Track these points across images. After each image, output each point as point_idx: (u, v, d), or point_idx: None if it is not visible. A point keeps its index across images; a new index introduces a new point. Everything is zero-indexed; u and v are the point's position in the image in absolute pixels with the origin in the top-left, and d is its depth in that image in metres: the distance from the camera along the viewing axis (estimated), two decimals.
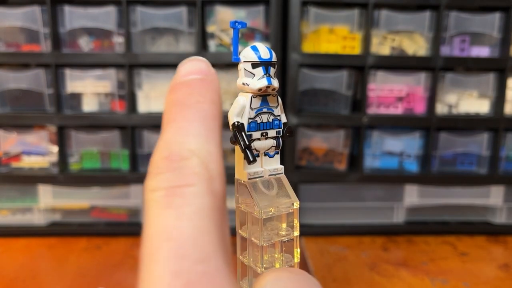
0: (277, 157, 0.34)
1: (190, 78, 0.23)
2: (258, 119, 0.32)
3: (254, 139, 0.32)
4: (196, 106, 0.22)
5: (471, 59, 0.73)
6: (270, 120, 0.33)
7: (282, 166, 0.34)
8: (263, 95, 0.32)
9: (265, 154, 0.33)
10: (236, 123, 0.31)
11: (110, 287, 0.60)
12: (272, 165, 0.33)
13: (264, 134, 0.33)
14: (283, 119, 0.34)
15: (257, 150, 0.33)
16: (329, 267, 0.65)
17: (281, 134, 0.33)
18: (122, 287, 0.60)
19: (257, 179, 0.33)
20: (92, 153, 0.75)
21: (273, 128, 0.33)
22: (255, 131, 0.32)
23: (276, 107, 0.33)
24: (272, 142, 0.33)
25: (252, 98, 0.32)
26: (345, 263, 0.67)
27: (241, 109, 0.32)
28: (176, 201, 0.19)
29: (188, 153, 0.20)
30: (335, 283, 0.61)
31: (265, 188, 0.33)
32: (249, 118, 0.32)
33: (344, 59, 0.72)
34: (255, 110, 0.32)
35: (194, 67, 0.23)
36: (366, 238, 0.76)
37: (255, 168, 0.33)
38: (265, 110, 0.32)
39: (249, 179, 0.32)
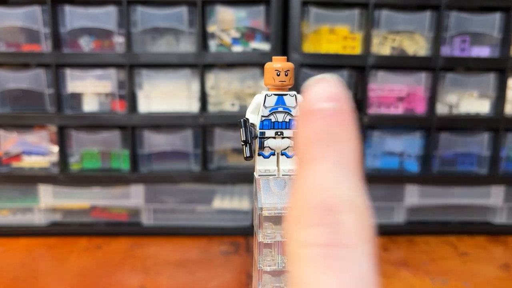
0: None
1: (327, 106, 0.20)
2: (272, 118, 0.32)
3: (268, 137, 0.33)
4: (340, 147, 0.20)
5: (472, 59, 0.73)
6: (287, 120, 0.33)
7: None
8: (278, 94, 0.32)
9: (283, 154, 0.33)
10: (241, 119, 0.31)
11: (110, 287, 0.60)
12: (288, 166, 0.33)
13: (279, 133, 0.33)
14: None
15: (271, 149, 0.33)
16: None
17: None
18: (123, 287, 0.60)
19: (271, 177, 0.33)
20: (93, 153, 0.75)
21: (289, 129, 0.33)
22: (268, 129, 0.32)
23: (294, 107, 0.33)
24: (289, 142, 0.33)
25: (266, 96, 0.32)
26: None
27: (256, 106, 0.33)
28: (336, 264, 0.17)
29: (342, 206, 0.18)
30: None
31: (276, 187, 0.33)
32: (262, 116, 0.32)
33: (345, 59, 0.72)
34: (269, 109, 0.32)
35: (328, 91, 0.21)
36: None
37: (267, 165, 0.33)
38: (281, 109, 0.32)
39: (259, 175, 0.33)
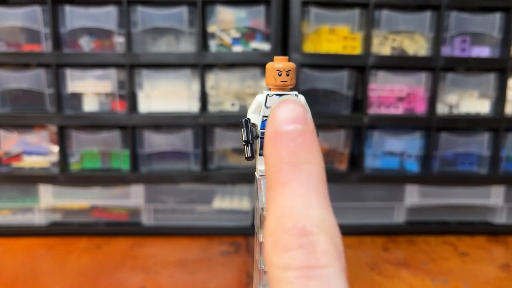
0: None
1: (293, 128, 0.22)
2: None
3: None
4: (307, 168, 0.21)
5: (472, 59, 0.73)
6: None
7: None
8: (280, 94, 0.32)
9: None
10: (242, 119, 0.31)
11: (110, 287, 0.60)
12: None
13: None
14: None
15: None
16: None
17: None
18: (123, 287, 0.60)
19: None
20: (93, 153, 0.75)
21: None
22: None
23: None
24: None
25: (268, 96, 0.32)
26: (345, 263, 0.67)
27: (257, 106, 0.33)
28: (313, 284, 0.18)
29: (314, 228, 0.20)
30: None
31: None
32: (264, 116, 0.32)
33: (345, 59, 0.72)
34: (270, 109, 0.32)
35: (293, 114, 0.22)
36: (366, 238, 0.76)
37: None
38: None
39: (260, 175, 0.33)
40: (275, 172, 0.21)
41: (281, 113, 0.22)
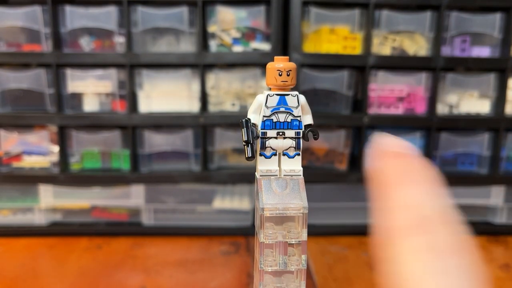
0: (298, 158, 0.34)
1: (400, 149, 0.25)
2: (274, 118, 0.32)
3: (269, 137, 0.33)
4: (420, 171, 0.24)
5: (472, 59, 0.73)
6: (289, 120, 0.33)
7: (301, 168, 0.34)
8: (280, 94, 0.32)
9: (284, 154, 0.33)
10: (242, 119, 0.31)
11: (110, 287, 0.60)
12: (290, 166, 0.33)
13: (280, 133, 0.33)
14: (307, 121, 0.34)
15: (273, 149, 0.33)
16: (330, 267, 0.66)
17: (301, 135, 0.33)
18: (123, 287, 0.60)
19: (272, 177, 0.33)
20: (93, 153, 0.75)
21: (291, 129, 0.33)
22: (270, 129, 0.32)
23: (296, 107, 0.33)
24: (291, 143, 0.33)
25: (268, 96, 0.32)
26: (345, 263, 0.67)
27: (257, 106, 0.33)
28: (437, 268, 0.20)
29: (436, 218, 0.22)
30: (335, 283, 0.61)
31: (278, 187, 0.33)
32: (264, 116, 0.32)
33: (345, 59, 0.72)
34: (270, 109, 0.32)
35: (397, 142, 0.25)
36: (366, 238, 0.76)
37: (269, 165, 0.33)
38: (282, 109, 0.32)
39: (261, 176, 0.33)
40: (392, 175, 0.24)
41: (387, 141, 0.25)
